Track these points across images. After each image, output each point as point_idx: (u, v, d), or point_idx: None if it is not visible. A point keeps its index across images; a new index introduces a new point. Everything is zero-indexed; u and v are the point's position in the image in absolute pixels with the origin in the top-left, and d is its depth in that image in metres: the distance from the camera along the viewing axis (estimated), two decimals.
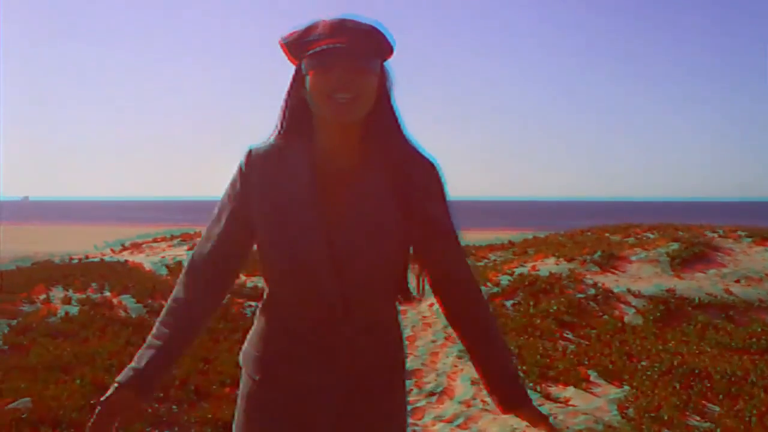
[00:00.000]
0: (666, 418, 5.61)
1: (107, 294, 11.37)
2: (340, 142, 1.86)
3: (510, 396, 1.91)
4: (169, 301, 1.91)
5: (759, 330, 9.05)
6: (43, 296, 10.67)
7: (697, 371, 6.78)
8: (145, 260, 17.51)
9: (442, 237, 1.93)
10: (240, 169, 1.90)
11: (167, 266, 16.27)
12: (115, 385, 1.78)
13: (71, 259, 18.13)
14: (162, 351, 1.83)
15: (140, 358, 1.82)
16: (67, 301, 10.48)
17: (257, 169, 1.88)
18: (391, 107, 1.91)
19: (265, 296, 1.95)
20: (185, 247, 19.63)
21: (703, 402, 6.16)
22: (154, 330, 1.87)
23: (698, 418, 5.81)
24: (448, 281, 1.96)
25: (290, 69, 1.90)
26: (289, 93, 1.90)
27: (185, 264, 1.96)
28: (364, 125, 1.86)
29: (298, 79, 1.86)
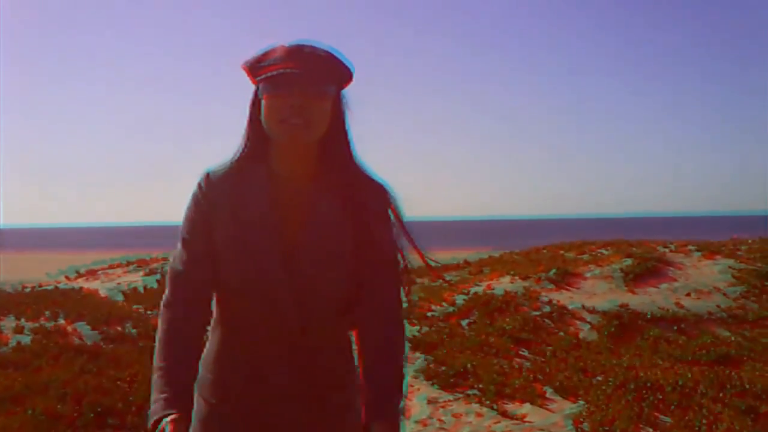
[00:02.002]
0: (619, 431, 5.71)
1: (61, 322, 11.17)
2: (295, 166, 1.88)
3: (378, 414, 1.81)
4: (160, 330, 1.87)
5: (708, 342, 9.26)
6: None
7: (649, 384, 6.90)
8: (101, 287, 17.26)
9: (382, 264, 1.94)
10: (197, 192, 1.91)
11: (123, 292, 16.06)
12: (171, 415, 1.69)
13: (24, 287, 17.77)
14: (179, 372, 1.79)
15: (162, 387, 1.75)
16: (19, 330, 10.27)
17: (214, 191, 1.89)
18: (345, 132, 1.93)
19: (216, 315, 1.95)
20: (141, 273, 19.39)
21: (656, 414, 6.28)
22: (157, 359, 1.81)
23: (650, 430, 5.93)
24: (372, 309, 1.93)
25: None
26: (249, 118, 1.92)
27: (162, 302, 1.91)
28: (318, 149, 1.89)
29: (255, 102, 1.89)
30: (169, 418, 1.66)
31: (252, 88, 1.91)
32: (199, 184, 1.91)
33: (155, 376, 1.79)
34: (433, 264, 2.04)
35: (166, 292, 1.92)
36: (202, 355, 1.98)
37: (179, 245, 1.93)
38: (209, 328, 1.99)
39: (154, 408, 1.72)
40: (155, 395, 1.75)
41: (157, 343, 1.86)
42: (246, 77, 1.91)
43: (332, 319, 1.91)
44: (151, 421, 1.70)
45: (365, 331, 1.93)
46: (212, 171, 1.92)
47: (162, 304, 1.91)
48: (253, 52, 1.89)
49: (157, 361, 1.82)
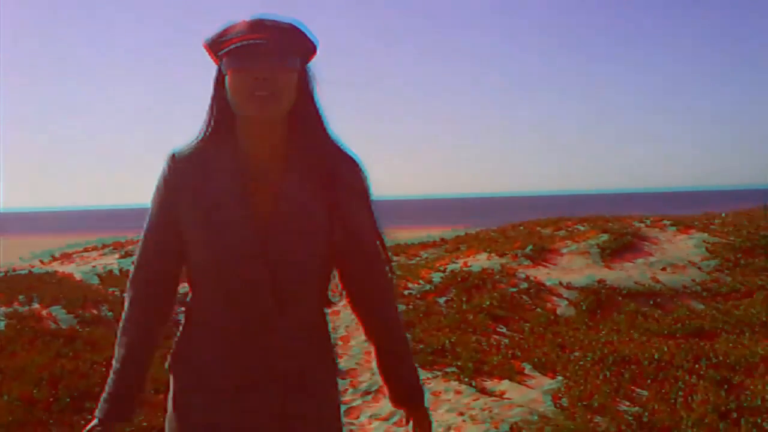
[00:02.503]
0: (597, 405, 5.76)
1: (36, 306, 11.06)
2: (263, 142, 1.85)
3: (403, 395, 2.04)
4: (121, 321, 1.94)
5: (684, 315, 9.36)
6: None
7: (626, 358, 6.97)
8: (76, 270, 17.09)
9: (362, 237, 1.94)
10: (164, 173, 1.89)
11: (98, 275, 15.92)
12: (96, 420, 1.85)
13: None
14: (127, 372, 1.89)
15: (110, 385, 1.88)
16: None
17: (181, 172, 1.86)
18: (314, 105, 1.91)
19: (189, 300, 1.93)
20: (116, 256, 19.23)
21: (633, 387, 6.34)
22: (115, 353, 1.91)
23: (628, 403, 5.97)
24: (361, 282, 1.99)
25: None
26: (212, 96, 1.89)
27: (128, 281, 1.96)
28: (287, 124, 1.86)
29: (219, 80, 1.86)
30: (90, 426, 1.85)
31: (215, 67, 1.88)
32: (165, 167, 1.89)
33: (113, 366, 1.92)
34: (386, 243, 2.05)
35: (129, 278, 1.96)
36: (175, 337, 1.97)
37: (142, 233, 1.93)
38: (182, 310, 1.97)
39: (99, 408, 1.88)
40: (106, 389, 1.89)
41: (118, 333, 1.94)
42: (208, 56, 1.88)
43: (308, 296, 1.89)
44: (91, 424, 1.86)
45: (369, 316, 2.02)
46: (178, 152, 1.90)
47: (127, 288, 1.96)
48: (213, 29, 1.86)
49: (116, 349, 1.93)
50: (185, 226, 1.85)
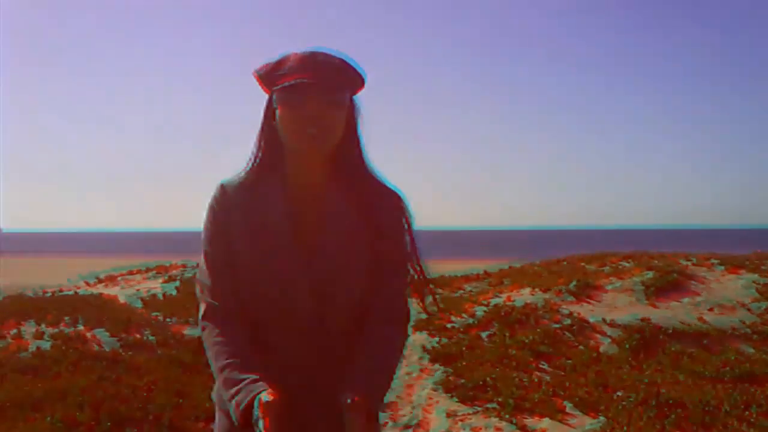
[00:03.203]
0: None
1: (81, 328, 11.20)
2: (310, 173, 1.89)
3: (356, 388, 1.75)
4: (210, 356, 1.82)
5: (732, 358, 9.11)
6: (14, 331, 10.50)
7: (672, 401, 6.81)
8: (120, 293, 17.30)
9: (391, 271, 1.93)
10: (212, 204, 1.92)
11: (142, 299, 16.09)
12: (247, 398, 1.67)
13: (44, 292, 17.87)
14: (240, 366, 1.75)
15: (234, 381, 1.72)
16: (39, 335, 10.31)
17: (229, 203, 1.89)
18: (357, 139, 1.94)
19: None
20: (160, 280, 19.43)
21: None
22: (219, 378, 1.77)
23: None
24: (377, 312, 1.91)
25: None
26: (261, 127, 1.92)
27: (199, 319, 1.89)
28: (333, 156, 1.89)
29: (269, 111, 1.89)
30: (264, 393, 1.64)
31: (264, 96, 1.91)
32: (214, 197, 1.92)
33: (220, 379, 1.76)
34: (429, 276, 2.01)
35: (200, 308, 1.90)
36: None
37: (202, 258, 1.92)
38: None
39: (237, 398, 1.68)
40: (231, 390, 1.71)
41: (210, 355, 1.82)
42: (258, 85, 1.91)
43: (350, 323, 1.90)
44: (241, 407, 1.66)
45: (366, 327, 1.89)
46: (226, 182, 1.93)
47: (200, 320, 1.89)
48: (264, 59, 1.89)
49: (216, 368, 1.79)
50: (234, 254, 1.87)
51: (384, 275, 1.92)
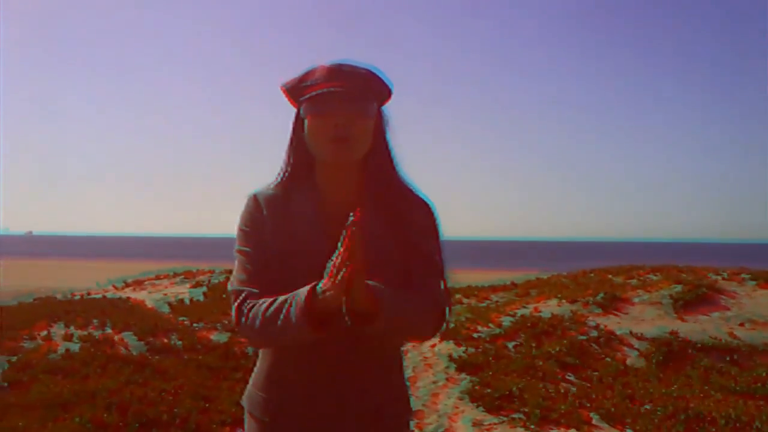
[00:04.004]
0: None
1: (109, 331, 11.31)
2: (340, 184, 1.90)
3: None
4: (261, 320, 1.76)
5: (764, 374, 8.98)
6: (44, 333, 10.62)
7: (701, 415, 6.72)
8: (147, 297, 17.45)
9: (430, 274, 1.92)
10: (245, 212, 1.93)
11: (169, 304, 16.21)
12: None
13: (73, 295, 18.08)
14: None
15: (284, 300, 1.73)
16: (68, 337, 10.43)
17: (263, 209, 1.91)
18: (388, 148, 1.95)
19: None
20: (188, 285, 19.57)
21: None
22: (272, 312, 1.74)
23: None
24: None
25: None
26: (291, 138, 1.94)
27: (231, 292, 1.87)
28: (362, 166, 1.90)
29: (297, 123, 1.91)
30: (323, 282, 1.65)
31: (292, 110, 1.94)
32: (247, 206, 1.94)
33: (272, 311, 1.73)
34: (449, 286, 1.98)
35: (238, 298, 1.84)
36: (253, 374, 1.99)
37: (238, 257, 1.90)
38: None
39: (294, 308, 1.68)
40: (284, 309, 1.70)
41: (261, 320, 1.75)
42: (285, 99, 1.94)
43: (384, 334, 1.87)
44: (305, 306, 1.66)
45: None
46: (258, 193, 1.95)
47: (238, 306, 1.83)
48: (291, 74, 1.92)
49: (268, 314, 1.74)
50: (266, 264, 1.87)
51: (425, 278, 1.90)
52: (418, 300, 1.83)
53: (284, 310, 1.70)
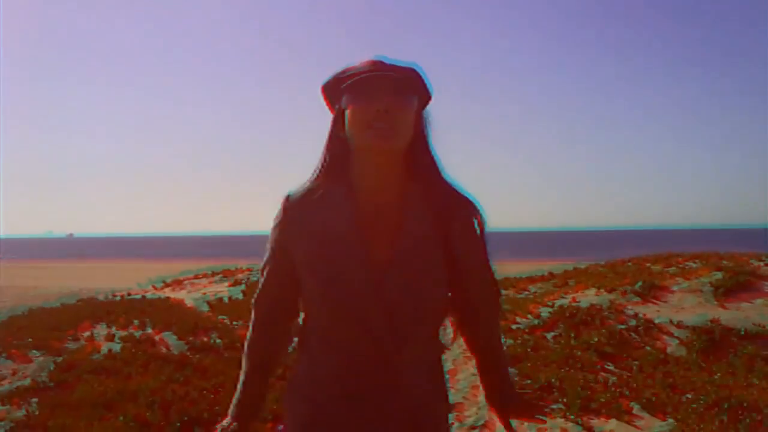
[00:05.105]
0: None
1: (149, 331, 11.47)
2: (379, 179, 1.85)
3: (495, 400, 2.09)
4: (246, 340, 2.10)
5: None
6: (87, 333, 10.82)
7: (745, 404, 6.63)
8: (187, 297, 17.65)
9: (479, 278, 1.94)
10: (277, 217, 1.92)
11: (209, 303, 16.37)
12: (228, 419, 2.00)
13: (114, 295, 18.35)
14: (250, 385, 2.03)
15: (238, 392, 2.03)
16: (110, 338, 10.60)
17: (295, 214, 1.89)
18: (428, 147, 1.91)
19: (304, 340, 1.95)
20: (226, 284, 19.74)
21: None
22: (242, 366, 2.07)
23: None
24: (473, 310, 2.01)
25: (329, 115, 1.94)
26: (329, 136, 1.91)
27: (252, 304, 2.10)
28: (403, 163, 1.86)
29: (337, 120, 1.88)
30: (223, 422, 1.99)
31: (328, 116, 1.93)
32: (281, 208, 1.92)
33: (240, 380, 2.06)
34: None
35: (252, 302, 2.10)
36: (292, 372, 2.00)
37: (263, 263, 2.00)
38: (293, 347, 2.03)
39: (230, 409, 2.03)
40: (233, 397, 2.04)
41: (244, 353, 2.09)
42: (324, 104, 1.93)
43: (425, 333, 1.88)
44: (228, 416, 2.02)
45: (475, 337, 2.09)
46: (293, 193, 1.92)
47: (247, 336, 2.12)
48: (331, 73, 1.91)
49: (241, 367, 2.08)
50: (301, 263, 1.87)
51: (474, 282, 1.95)
52: (497, 329, 2.13)
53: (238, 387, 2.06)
